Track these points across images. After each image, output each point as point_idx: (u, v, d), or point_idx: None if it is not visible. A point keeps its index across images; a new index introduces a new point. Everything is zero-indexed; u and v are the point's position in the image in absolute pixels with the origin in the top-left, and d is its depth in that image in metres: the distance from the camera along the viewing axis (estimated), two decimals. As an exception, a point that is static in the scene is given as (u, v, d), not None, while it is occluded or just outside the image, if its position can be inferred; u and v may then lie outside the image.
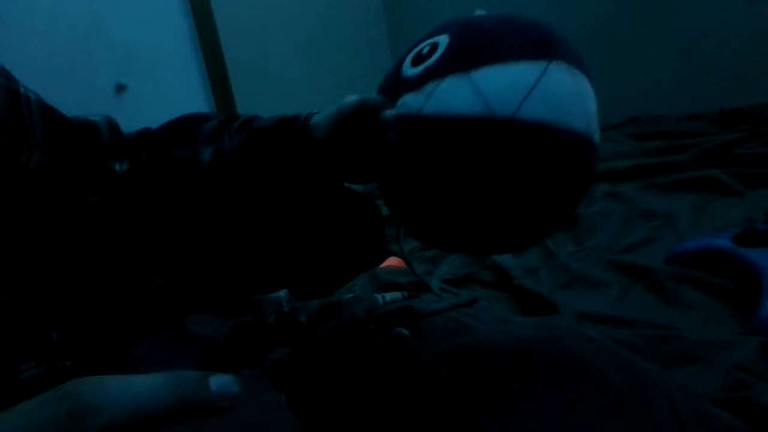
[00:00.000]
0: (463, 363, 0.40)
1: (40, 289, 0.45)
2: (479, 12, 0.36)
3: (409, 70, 0.33)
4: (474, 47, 0.31)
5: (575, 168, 0.32)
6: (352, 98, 0.40)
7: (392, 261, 0.82)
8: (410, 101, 0.31)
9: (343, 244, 0.79)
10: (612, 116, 1.51)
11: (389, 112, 0.33)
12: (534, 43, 0.32)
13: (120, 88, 1.52)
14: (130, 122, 1.56)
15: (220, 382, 0.25)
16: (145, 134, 0.54)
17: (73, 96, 1.44)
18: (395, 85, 0.33)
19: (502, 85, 0.30)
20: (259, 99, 1.87)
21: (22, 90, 0.46)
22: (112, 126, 0.56)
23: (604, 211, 0.88)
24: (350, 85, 2.28)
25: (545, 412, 0.33)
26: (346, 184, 0.51)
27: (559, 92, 0.31)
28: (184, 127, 0.52)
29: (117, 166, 0.50)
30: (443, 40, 0.33)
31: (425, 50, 0.33)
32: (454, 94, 0.30)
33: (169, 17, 1.68)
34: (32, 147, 0.46)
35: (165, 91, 1.64)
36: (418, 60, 0.33)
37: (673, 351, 0.43)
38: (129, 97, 1.54)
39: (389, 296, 0.56)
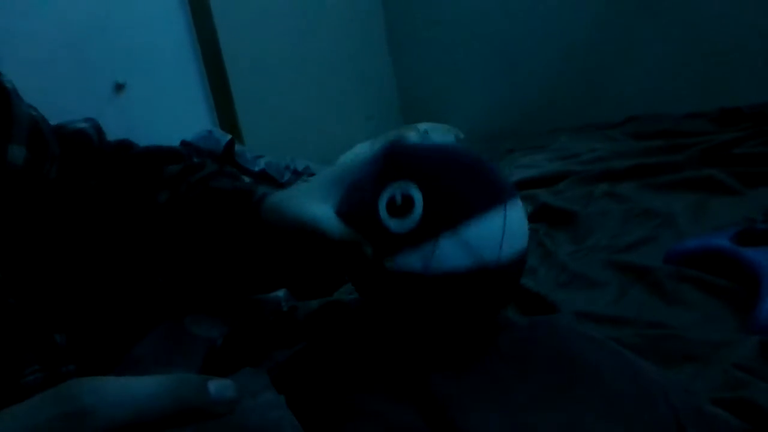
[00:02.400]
0: (462, 362, 0.40)
1: (45, 291, 0.45)
2: (413, 134, 0.48)
3: (393, 223, 0.38)
4: (450, 205, 0.38)
5: (523, 265, 0.42)
6: (335, 226, 0.40)
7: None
8: (413, 262, 0.37)
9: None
10: (611, 116, 1.51)
11: (392, 266, 0.38)
12: (490, 189, 0.39)
13: (118, 87, 1.52)
14: (129, 121, 1.58)
15: (218, 387, 0.24)
16: (119, 152, 0.55)
17: (72, 95, 1.44)
18: (378, 233, 0.38)
19: (484, 237, 0.37)
20: (257, 97, 1.86)
21: (25, 107, 0.48)
22: (98, 130, 0.58)
23: (603, 211, 0.88)
24: (348, 83, 2.28)
25: (543, 410, 0.34)
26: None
27: (515, 226, 0.39)
28: (151, 166, 0.53)
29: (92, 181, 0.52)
30: (415, 193, 0.38)
31: (398, 199, 0.38)
32: (451, 254, 0.37)
33: (168, 16, 1.68)
34: (52, 160, 0.47)
35: (163, 90, 1.64)
36: (396, 211, 0.38)
37: (671, 350, 0.43)
38: (127, 96, 1.54)
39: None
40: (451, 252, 0.36)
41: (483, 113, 2.17)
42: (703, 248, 0.60)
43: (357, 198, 0.41)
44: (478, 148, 1.63)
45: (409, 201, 0.37)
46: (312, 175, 1.47)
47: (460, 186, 0.38)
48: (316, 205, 0.42)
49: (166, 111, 1.63)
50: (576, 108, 1.82)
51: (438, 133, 2.03)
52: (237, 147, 1.38)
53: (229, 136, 1.36)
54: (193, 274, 0.52)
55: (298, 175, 1.49)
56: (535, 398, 0.34)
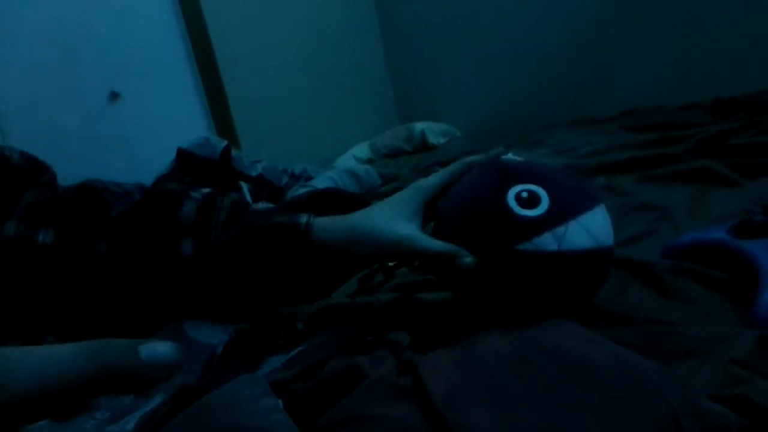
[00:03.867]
0: (459, 361, 0.40)
1: (35, 294, 0.45)
2: (511, 156, 0.52)
3: (524, 211, 0.45)
4: (570, 200, 0.47)
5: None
6: (432, 242, 0.47)
7: (389, 261, 0.81)
8: (549, 242, 0.45)
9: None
10: (607, 109, 1.51)
11: (528, 247, 0.45)
12: (590, 193, 0.50)
13: (113, 96, 1.52)
14: (125, 129, 1.58)
15: (152, 350, 0.23)
16: (95, 206, 0.50)
17: (67, 105, 1.45)
18: (509, 223, 0.45)
19: (598, 226, 0.47)
20: (253, 102, 1.87)
21: None
22: (26, 157, 0.52)
23: (601, 205, 0.88)
24: (344, 85, 2.28)
25: (539, 409, 0.33)
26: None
27: (610, 222, 0.49)
28: (159, 212, 0.49)
29: (40, 236, 0.46)
30: (541, 191, 0.46)
31: (524, 195, 0.46)
32: (578, 236, 0.45)
33: (162, 24, 1.68)
34: None
35: (159, 98, 1.64)
36: (525, 204, 0.46)
37: (670, 346, 0.43)
38: (123, 105, 1.54)
39: (384, 298, 0.56)
40: (578, 235, 0.45)
41: (479, 111, 2.17)
42: (701, 242, 0.60)
43: (478, 199, 0.48)
44: (476, 145, 1.63)
45: (534, 196, 0.45)
46: (310, 178, 1.47)
47: (571, 187, 0.48)
48: (404, 226, 0.47)
49: (162, 119, 1.63)
50: (571, 103, 1.82)
51: (435, 133, 2.03)
52: (233, 152, 1.38)
53: (226, 142, 1.36)
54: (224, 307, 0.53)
55: (295, 178, 1.49)
56: (531, 397, 0.34)
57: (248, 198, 1.28)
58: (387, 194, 1.38)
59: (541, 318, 0.45)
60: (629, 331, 0.47)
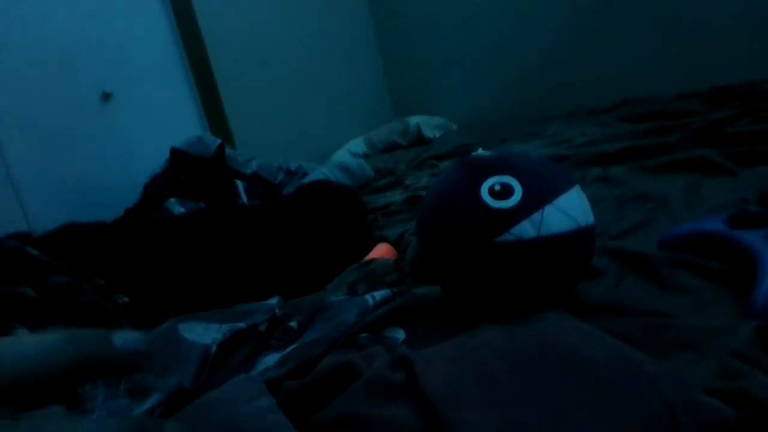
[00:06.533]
0: (455, 357, 0.40)
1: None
2: (481, 151, 0.53)
3: (498, 203, 0.46)
4: (543, 186, 0.47)
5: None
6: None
7: (382, 249, 0.81)
8: (527, 230, 0.45)
9: (330, 237, 0.79)
10: (602, 99, 1.50)
11: (508, 238, 0.45)
12: (563, 175, 0.50)
13: (106, 97, 1.51)
14: (117, 130, 1.57)
15: (125, 338, 0.24)
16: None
17: (59, 105, 1.43)
18: (485, 217, 0.46)
19: (574, 206, 0.47)
20: (247, 100, 1.85)
21: None
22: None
23: (597, 196, 0.87)
24: (338, 81, 2.26)
25: (533, 406, 0.33)
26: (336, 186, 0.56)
27: (586, 202, 0.50)
28: None
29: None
30: (513, 182, 0.47)
31: (497, 188, 0.47)
32: (556, 219, 0.46)
33: (153, 24, 1.66)
34: None
35: (151, 99, 1.62)
36: (498, 195, 0.46)
37: (668, 339, 0.43)
38: (115, 105, 1.53)
39: (379, 295, 0.56)
40: (555, 218, 0.45)
41: (474, 104, 2.16)
42: (697, 232, 0.59)
43: (453, 198, 0.49)
44: (471, 138, 1.62)
45: (507, 187, 0.46)
46: (305, 174, 1.46)
47: (543, 173, 0.49)
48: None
49: (154, 118, 1.62)
50: (566, 95, 1.82)
51: (430, 127, 2.02)
52: (228, 151, 1.37)
53: (219, 141, 1.35)
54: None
55: (291, 175, 1.48)
56: (528, 392, 0.34)
57: (243, 197, 1.27)
58: (381, 188, 1.37)
59: (537, 309, 0.44)
60: (626, 323, 0.47)
